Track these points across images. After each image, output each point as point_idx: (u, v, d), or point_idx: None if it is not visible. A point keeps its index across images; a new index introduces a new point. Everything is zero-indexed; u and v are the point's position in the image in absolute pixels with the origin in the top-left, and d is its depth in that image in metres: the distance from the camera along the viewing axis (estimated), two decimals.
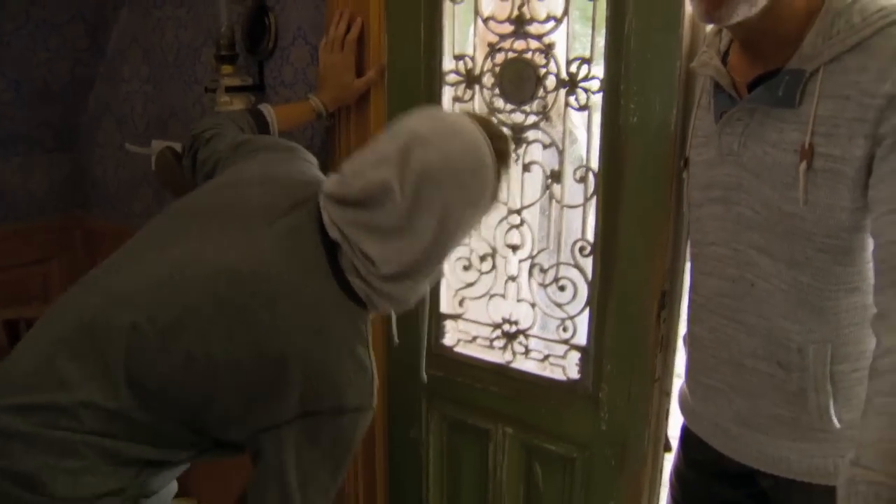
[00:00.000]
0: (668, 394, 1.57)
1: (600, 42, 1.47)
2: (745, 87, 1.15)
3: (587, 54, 1.49)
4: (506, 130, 1.56)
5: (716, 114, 1.19)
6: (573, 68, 1.50)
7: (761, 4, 1.03)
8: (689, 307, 1.35)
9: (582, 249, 1.56)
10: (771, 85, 1.09)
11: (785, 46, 1.08)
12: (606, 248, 1.52)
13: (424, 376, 1.72)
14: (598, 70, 1.48)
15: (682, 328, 1.46)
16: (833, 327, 1.13)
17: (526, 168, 1.60)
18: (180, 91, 2.17)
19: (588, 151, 1.53)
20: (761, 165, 1.13)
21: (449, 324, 1.80)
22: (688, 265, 1.39)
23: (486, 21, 1.59)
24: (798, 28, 1.07)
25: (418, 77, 1.69)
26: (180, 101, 2.18)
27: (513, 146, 1.47)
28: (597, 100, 1.49)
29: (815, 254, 1.10)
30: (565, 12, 1.50)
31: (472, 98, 1.65)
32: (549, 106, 1.56)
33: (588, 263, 1.56)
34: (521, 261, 1.66)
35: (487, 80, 1.62)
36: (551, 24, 1.51)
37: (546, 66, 1.53)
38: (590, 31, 1.48)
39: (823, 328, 1.13)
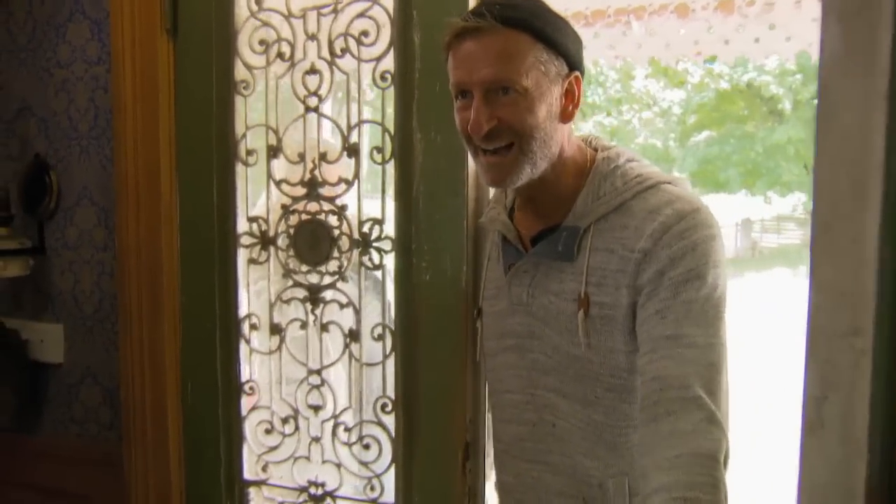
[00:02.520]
0: None
1: (391, 204, 1.53)
2: (530, 241, 1.25)
3: (379, 216, 1.54)
4: (302, 292, 1.57)
5: (504, 266, 1.29)
6: (365, 229, 1.54)
7: (542, 168, 1.17)
8: (494, 455, 1.40)
9: (384, 406, 1.56)
10: (551, 240, 1.22)
11: (562, 205, 1.22)
12: (407, 403, 1.53)
13: None
14: (391, 229, 1.53)
15: (491, 476, 1.49)
16: (627, 461, 1.20)
17: (324, 328, 1.60)
18: None
19: (384, 310, 1.55)
20: (548, 314, 1.23)
21: (253, 491, 1.71)
22: (488, 414, 1.45)
23: (279, 184, 1.61)
24: (573, 189, 1.22)
25: (212, 238, 1.66)
26: None
27: None
28: (390, 259, 1.53)
29: (604, 393, 1.20)
30: (356, 175, 1.55)
31: (267, 259, 1.64)
32: (345, 266, 1.58)
33: (391, 420, 1.56)
34: (324, 421, 1.62)
35: (282, 241, 1.62)
36: (342, 187, 1.56)
37: (339, 227, 1.56)
38: (380, 194, 1.54)
39: (619, 462, 1.21)
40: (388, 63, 1.49)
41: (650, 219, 1.15)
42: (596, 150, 1.26)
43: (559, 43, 1.16)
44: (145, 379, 1.72)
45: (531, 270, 1.25)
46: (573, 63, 1.19)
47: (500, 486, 1.39)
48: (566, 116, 1.20)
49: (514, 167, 1.16)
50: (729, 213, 17.15)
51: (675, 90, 16.53)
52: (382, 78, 1.50)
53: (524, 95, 1.14)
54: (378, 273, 1.55)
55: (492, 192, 1.43)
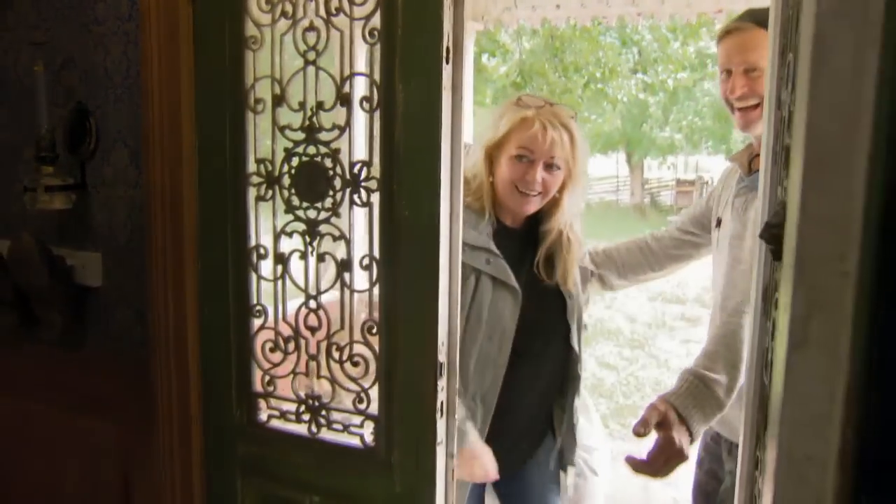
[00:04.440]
0: (452, 455, 1.77)
1: (377, 148, 1.71)
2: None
3: (367, 158, 1.73)
4: (302, 226, 1.78)
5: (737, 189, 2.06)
6: (356, 170, 1.73)
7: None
8: None
9: (370, 329, 1.76)
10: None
11: None
12: (390, 327, 1.73)
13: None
14: (377, 171, 1.71)
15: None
16: None
17: (321, 258, 1.80)
18: (3, 189, 2.26)
19: (371, 242, 1.75)
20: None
21: (261, 401, 1.94)
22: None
23: (282, 129, 1.81)
24: None
25: (225, 178, 1.87)
26: (3, 198, 2.27)
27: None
28: (376, 197, 1.72)
29: None
30: (347, 123, 1.73)
31: (272, 196, 1.84)
32: (338, 203, 1.77)
33: (376, 341, 1.76)
34: (319, 341, 1.84)
35: (285, 180, 1.82)
36: (336, 132, 1.74)
37: (333, 168, 1.76)
38: (368, 139, 1.73)
39: None
40: (376, 21, 1.66)
41: None
42: None
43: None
44: (169, 302, 1.95)
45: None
46: None
47: None
48: None
49: (759, 118, 1.85)
50: None
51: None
52: (371, 35, 1.67)
53: (762, 72, 1.80)
54: (366, 209, 1.75)
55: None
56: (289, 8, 1.76)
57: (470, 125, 3.58)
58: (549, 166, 1.97)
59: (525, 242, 2.11)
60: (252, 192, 1.87)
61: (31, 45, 2.06)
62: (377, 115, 1.69)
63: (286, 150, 1.81)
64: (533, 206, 2.02)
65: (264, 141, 1.86)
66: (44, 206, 2.02)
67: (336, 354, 1.81)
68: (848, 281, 0.78)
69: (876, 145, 0.76)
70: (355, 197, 1.74)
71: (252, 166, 1.86)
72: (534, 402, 2.14)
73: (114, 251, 2.07)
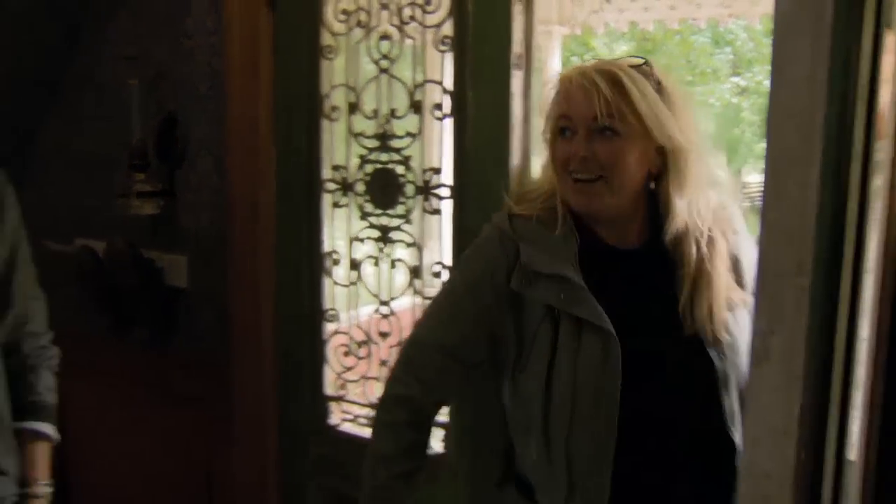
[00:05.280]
0: None
1: (449, 155, 1.72)
2: None
3: (438, 166, 1.74)
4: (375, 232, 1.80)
5: None
6: (427, 177, 1.74)
7: None
8: None
9: None
10: None
11: None
12: None
13: None
14: (448, 178, 1.72)
15: None
16: None
17: (393, 264, 1.82)
18: (98, 193, 2.38)
19: (441, 249, 1.75)
20: None
21: (332, 405, 1.98)
22: None
23: (356, 137, 1.84)
24: None
25: (301, 184, 1.92)
26: (98, 204, 2.39)
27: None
28: (447, 205, 1.72)
29: None
30: (419, 130, 1.75)
31: (347, 203, 1.87)
32: (410, 210, 1.79)
33: None
34: (390, 347, 1.85)
35: (359, 187, 1.85)
36: (408, 139, 1.76)
37: (405, 175, 1.77)
38: (439, 146, 1.74)
39: None
40: (447, 29, 1.67)
41: None
42: None
43: None
44: (247, 304, 2.01)
45: None
46: None
47: None
48: None
49: None
50: None
51: None
52: (442, 42, 1.68)
53: None
54: (438, 217, 1.75)
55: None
56: (364, 17, 1.79)
57: None
58: (600, 131, 1.26)
59: (651, 268, 1.35)
60: (327, 199, 1.90)
61: (127, 59, 2.16)
62: (448, 122, 1.70)
63: (360, 156, 1.84)
64: (596, 198, 1.29)
65: (339, 148, 1.89)
66: (136, 210, 2.12)
67: None
68: (804, 295, 0.77)
69: (827, 154, 0.75)
70: (426, 204, 1.75)
71: (327, 173, 1.89)
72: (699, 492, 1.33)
73: (199, 254, 2.15)
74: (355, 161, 1.85)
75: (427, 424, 1.47)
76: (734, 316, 1.30)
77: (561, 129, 1.31)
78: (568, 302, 1.28)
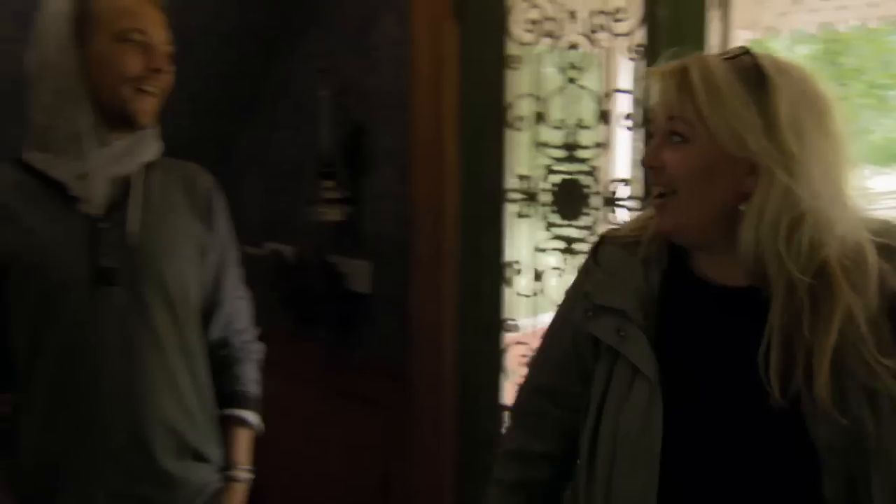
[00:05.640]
0: None
1: (636, 165, 1.67)
2: None
3: (626, 176, 1.70)
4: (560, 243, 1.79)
5: None
6: (614, 188, 1.71)
7: None
8: None
9: None
10: None
11: None
12: None
13: None
14: (636, 189, 1.68)
15: None
16: None
17: None
18: (288, 200, 2.50)
19: None
20: None
21: (509, 415, 1.97)
22: None
23: (542, 147, 1.83)
24: None
25: (485, 194, 1.93)
26: (287, 209, 2.51)
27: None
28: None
29: None
30: (607, 141, 1.71)
31: (531, 213, 1.87)
32: (596, 221, 1.75)
33: None
34: None
35: (544, 197, 1.84)
36: (595, 150, 1.73)
37: (592, 186, 1.74)
38: (628, 157, 1.69)
39: None
40: (639, 37, 1.63)
41: None
42: None
43: None
44: (428, 311, 2.05)
45: None
46: None
47: None
48: None
49: None
50: None
51: None
52: (633, 51, 1.64)
53: None
54: None
55: None
56: (551, 27, 1.77)
57: None
58: (670, 136, 1.04)
59: (751, 312, 1.02)
60: (511, 209, 1.91)
61: (318, 71, 2.26)
62: (639, 132, 1.65)
63: (545, 167, 1.83)
64: (666, 216, 1.06)
65: (524, 158, 1.89)
66: (323, 217, 2.22)
67: None
68: None
69: None
70: (612, 216, 1.72)
71: (511, 183, 1.90)
72: None
73: (381, 260, 2.21)
74: (540, 171, 1.84)
75: (537, 491, 1.27)
76: (874, 396, 0.95)
77: (652, 132, 1.10)
78: (622, 341, 1.09)
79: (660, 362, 1.05)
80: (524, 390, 1.28)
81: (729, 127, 0.98)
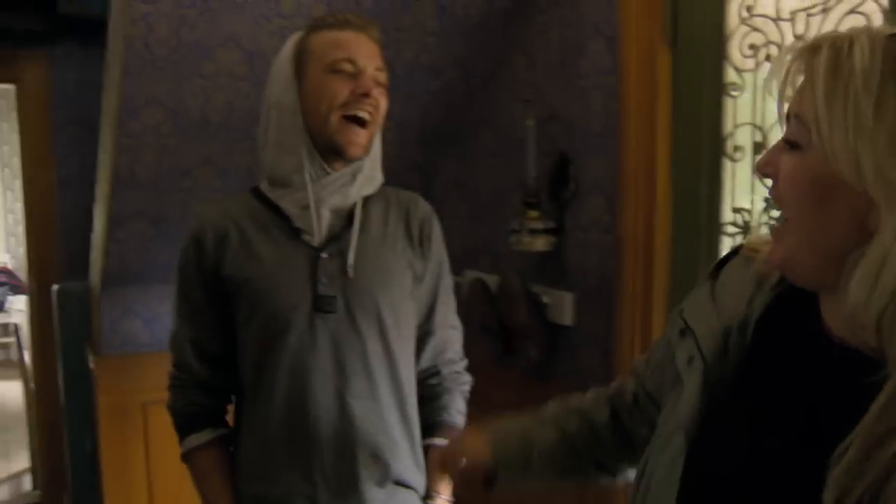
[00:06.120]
0: None
1: None
2: None
3: None
4: None
5: None
6: None
7: None
8: None
9: None
10: None
11: None
12: None
13: None
14: None
15: None
16: None
17: None
18: (490, 229, 2.52)
19: None
20: None
21: None
22: None
23: (762, 179, 1.71)
24: None
25: (699, 227, 1.84)
26: (490, 237, 2.53)
27: None
28: None
29: None
30: None
31: None
32: None
33: None
34: None
35: (764, 231, 1.72)
36: None
37: None
38: None
39: None
40: None
41: None
42: None
43: None
44: (636, 348, 1.98)
45: None
46: None
47: None
48: None
49: None
50: None
51: None
52: None
53: None
54: None
55: None
56: (774, 52, 1.66)
57: None
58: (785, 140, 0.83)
59: (847, 384, 0.75)
60: (726, 242, 1.80)
61: (523, 101, 2.26)
62: None
63: (766, 199, 1.71)
64: (776, 247, 0.83)
65: (742, 190, 1.78)
66: (527, 247, 2.20)
67: None
68: None
69: None
70: None
71: (728, 216, 1.79)
72: None
73: (585, 293, 2.16)
74: (759, 204, 1.73)
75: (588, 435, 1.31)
76: None
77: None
78: (688, 371, 0.92)
79: (712, 406, 0.86)
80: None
81: (844, 140, 0.70)
